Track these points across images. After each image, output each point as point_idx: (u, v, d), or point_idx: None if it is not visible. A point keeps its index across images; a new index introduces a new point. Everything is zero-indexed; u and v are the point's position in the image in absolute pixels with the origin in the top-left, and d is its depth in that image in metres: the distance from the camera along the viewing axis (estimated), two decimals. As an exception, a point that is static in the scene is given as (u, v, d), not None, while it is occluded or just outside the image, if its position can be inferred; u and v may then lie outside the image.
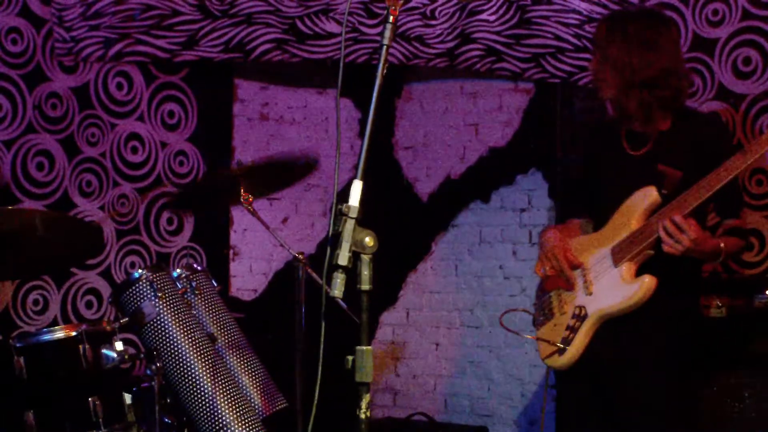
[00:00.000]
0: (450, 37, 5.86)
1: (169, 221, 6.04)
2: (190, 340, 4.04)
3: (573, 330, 3.92)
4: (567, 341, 3.93)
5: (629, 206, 3.88)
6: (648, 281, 3.76)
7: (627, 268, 3.83)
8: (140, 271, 4.09)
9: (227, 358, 4.30)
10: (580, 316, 3.92)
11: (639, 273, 3.81)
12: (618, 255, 3.86)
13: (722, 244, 3.75)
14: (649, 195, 3.83)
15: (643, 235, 3.78)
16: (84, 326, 3.89)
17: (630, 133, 3.98)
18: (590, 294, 3.92)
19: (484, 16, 5.75)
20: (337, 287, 2.53)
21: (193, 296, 4.32)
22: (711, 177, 3.64)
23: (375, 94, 2.68)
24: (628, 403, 3.87)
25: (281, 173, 4.66)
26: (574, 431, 4.22)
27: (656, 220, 3.73)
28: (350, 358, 2.57)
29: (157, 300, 4.03)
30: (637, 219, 3.84)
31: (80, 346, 3.83)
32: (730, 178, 3.64)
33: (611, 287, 3.86)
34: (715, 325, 4.47)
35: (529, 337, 4.22)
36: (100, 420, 3.80)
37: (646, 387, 3.84)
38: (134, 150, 5.92)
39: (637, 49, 3.85)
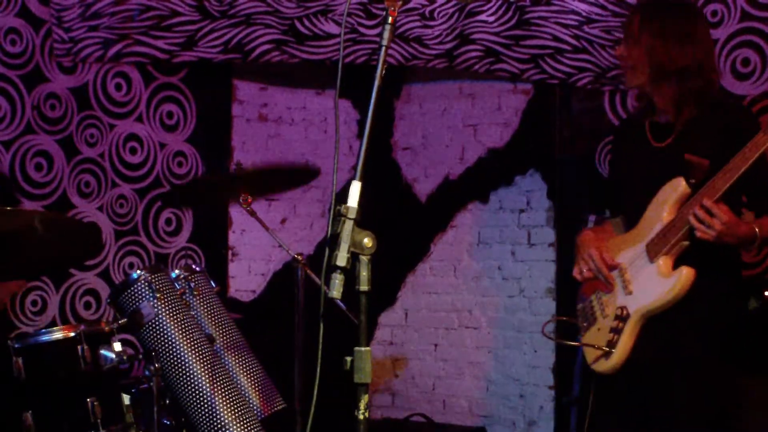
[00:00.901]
0: (449, 38, 5.86)
1: (168, 222, 6.04)
2: (188, 340, 4.04)
3: (617, 331, 3.85)
4: (612, 344, 3.86)
5: (659, 200, 3.83)
6: (686, 273, 3.69)
7: (663, 262, 3.76)
8: (139, 271, 4.08)
9: (226, 358, 4.30)
10: (623, 317, 3.85)
11: (676, 266, 3.75)
12: (653, 250, 3.80)
13: (757, 228, 3.69)
14: (677, 186, 3.77)
15: (676, 226, 3.73)
16: (82, 327, 3.90)
17: (654, 125, 3.95)
18: (630, 293, 3.86)
19: (483, 17, 5.75)
20: (336, 288, 2.53)
21: (191, 297, 4.32)
22: (737, 158, 3.57)
23: (374, 95, 2.67)
24: (667, 403, 3.80)
25: (281, 178, 4.67)
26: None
27: (687, 210, 3.68)
28: (349, 358, 2.57)
29: (155, 301, 4.02)
30: (669, 211, 3.78)
31: (79, 347, 3.83)
32: (756, 157, 3.56)
33: (650, 283, 3.79)
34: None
35: (575, 344, 4.12)
36: (99, 421, 3.80)
37: (686, 385, 3.78)
38: (133, 151, 5.92)
39: (674, 39, 3.82)
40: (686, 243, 3.74)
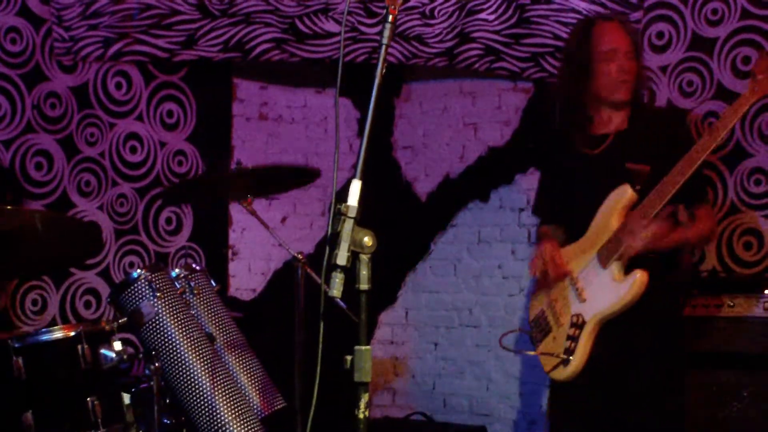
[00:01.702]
0: (449, 37, 5.86)
1: (168, 221, 6.04)
2: (188, 339, 4.03)
3: (574, 339, 3.93)
4: (570, 351, 3.93)
5: (607, 208, 3.93)
6: (639, 276, 3.79)
7: (616, 267, 3.86)
8: (139, 270, 4.08)
9: (226, 357, 4.30)
10: (578, 324, 3.93)
11: (627, 270, 3.85)
12: (604, 256, 3.89)
13: (689, 235, 3.90)
14: (624, 193, 3.88)
15: (626, 232, 3.83)
16: (82, 326, 3.89)
17: (585, 137, 4.03)
18: (584, 301, 3.95)
19: (483, 15, 5.75)
20: (336, 287, 2.53)
21: (191, 296, 4.32)
22: (684, 161, 3.70)
23: (374, 94, 2.68)
24: (626, 402, 3.87)
25: (281, 179, 4.67)
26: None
27: (636, 214, 3.80)
28: (349, 357, 2.57)
29: (155, 300, 4.02)
30: (617, 218, 3.89)
31: (79, 346, 3.83)
32: (704, 158, 3.70)
33: (604, 289, 3.88)
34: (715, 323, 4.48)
35: (532, 353, 4.20)
36: (99, 420, 3.79)
37: (644, 383, 3.88)
38: (133, 150, 5.92)
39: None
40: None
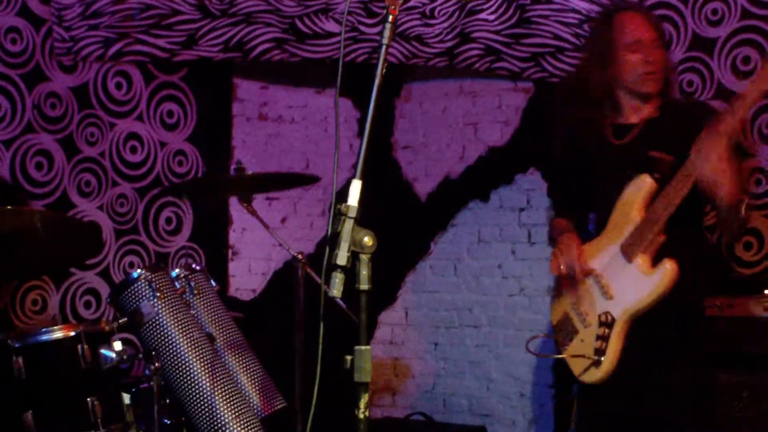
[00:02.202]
0: (449, 37, 5.86)
1: (168, 221, 6.04)
2: (188, 340, 4.03)
3: (604, 338, 3.81)
4: (600, 351, 3.82)
5: (626, 200, 3.83)
6: (670, 266, 3.69)
7: (642, 260, 3.75)
8: (139, 270, 4.08)
9: (226, 358, 4.30)
10: (608, 323, 3.81)
11: (654, 262, 3.74)
12: (629, 250, 3.79)
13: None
14: (643, 183, 3.78)
15: (650, 221, 3.72)
16: (82, 326, 3.89)
17: (615, 125, 3.97)
18: (611, 298, 3.83)
19: (483, 15, 5.75)
20: (336, 287, 2.53)
21: (191, 296, 4.31)
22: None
23: (374, 94, 2.68)
24: (656, 400, 3.79)
25: (280, 184, 4.67)
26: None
27: (659, 203, 3.69)
28: (349, 357, 2.57)
29: (155, 300, 4.02)
30: (638, 209, 3.78)
31: (79, 346, 3.83)
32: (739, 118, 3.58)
33: (633, 283, 3.77)
34: (715, 323, 4.46)
35: (561, 356, 4.03)
36: (99, 420, 3.79)
37: (675, 380, 3.78)
38: (133, 150, 5.92)
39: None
40: (663, 238, 3.74)
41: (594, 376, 3.86)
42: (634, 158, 3.83)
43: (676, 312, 3.79)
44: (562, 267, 3.93)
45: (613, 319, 3.82)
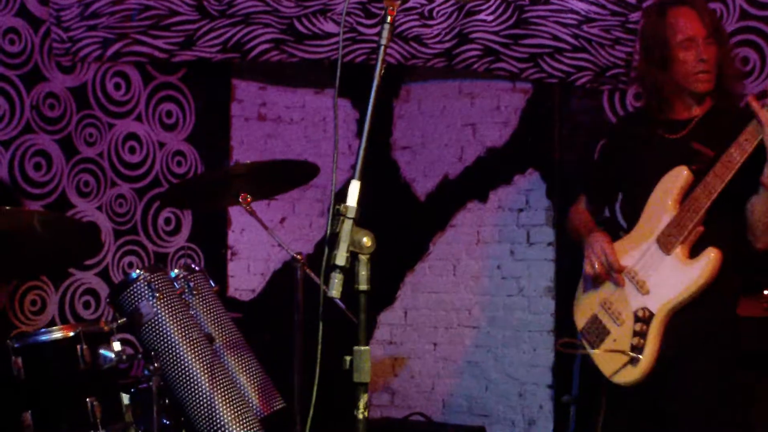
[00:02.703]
0: (448, 38, 5.86)
1: (167, 221, 6.04)
2: (187, 340, 4.04)
3: (641, 335, 3.70)
4: (638, 348, 3.70)
5: (661, 191, 3.77)
6: (714, 255, 3.60)
7: (682, 251, 3.67)
8: (138, 271, 4.09)
9: (225, 358, 4.30)
10: (645, 319, 3.71)
11: (692, 254, 3.66)
12: (667, 242, 3.70)
13: None
14: (680, 174, 3.72)
15: (691, 212, 3.65)
16: (82, 326, 3.89)
17: (667, 121, 3.90)
18: (647, 293, 3.73)
19: (481, 16, 5.75)
20: (335, 287, 2.53)
21: (190, 296, 4.32)
22: (750, 127, 3.55)
23: (373, 94, 2.68)
24: (688, 399, 3.70)
25: (280, 176, 4.66)
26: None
27: (700, 192, 3.62)
28: (348, 358, 2.57)
29: (154, 300, 4.03)
30: (674, 201, 3.72)
31: (78, 347, 3.83)
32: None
33: (672, 275, 3.68)
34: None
35: (598, 351, 3.85)
36: (98, 420, 3.80)
37: (707, 380, 3.70)
38: (132, 150, 5.92)
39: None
40: (702, 228, 3.66)
41: (630, 375, 3.74)
42: (681, 152, 3.75)
43: (714, 306, 3.70)
44: (597, 266, 3.85)
45: (651, 314, 3.71)
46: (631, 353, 3.71)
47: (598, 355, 3.86)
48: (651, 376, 3.72)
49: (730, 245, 3.72)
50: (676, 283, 3.68)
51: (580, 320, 4.00)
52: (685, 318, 3.70)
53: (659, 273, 3.74)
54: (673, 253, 3.70)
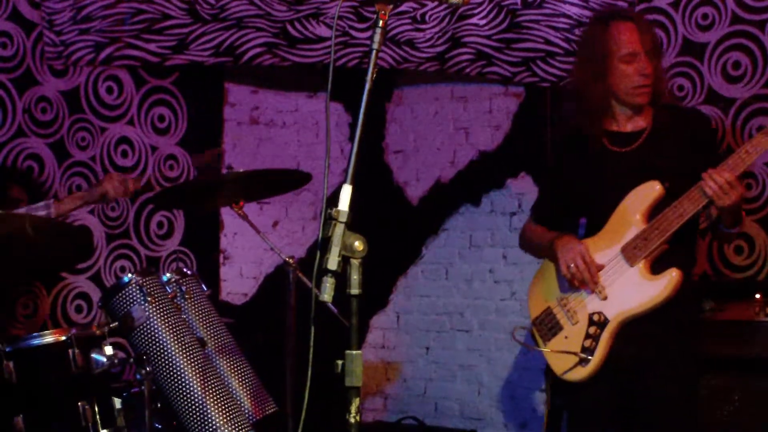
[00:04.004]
0: (440, 41, 5.86)
1: (159, 225, 6.04)
2: (179, 344, 4.03)
3: (594, 338, 3.82)
4: (590, 350, 3.83)
5: (631, 203, 3.82)
6: (676, 275, 3.71)
7: (644, 265, 3.77)
8: (130, 275, 4.08)
9: (217, 362, 4.29)
10: (600, 323, 3.82)
11: (654, 270, 3.76)
12: (632, 254, 3.78)
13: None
14: (653, 189, 3.78)
15: (660, 230, 3.73)
16: (73, 330, 3.89)
17: (611, 134, 3.96)
18: (605, 298, 3.83)
19: (474, 20, 5.75)
20: (327, 291, 2.53)
21: (182, 300, 4.31)
22: (734, 157, 3.63)
23: (365, 98, 2.68)
24: (653, 400, 3.79)
25: (272, 182, 4.67)
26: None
27: (672, 213, 3.71)
28: (340, 362, 2.57)
29: (146, 304, 4.02)
30: (643, 215, 3.78)
31: (70, 351, 3.83)
32: (755, 159, 3.64)
33: (632, 288, 3.78)
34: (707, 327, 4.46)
35: (548, 350, 3.98)
36: (90, 425, 3.79)
37: (671, 382, 3.79)
38: (124, 154, 5.91)
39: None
40: (666, 246, 3.77)
41: (579, 374, 3.86)
42: (640, 166, 3.83)
43: (671, 317, 3.79)
44: (571, 266, 3.88)
45: (606, 320, 3.82)
46: (581, 354, 3.84)
47: (548, 353, 3.98)
48: (609, 377, 3.83)
49: (690, 259, 3.90)
50: (635, 296, 3.79)
51: (534, 310, 4.10)
52: (644, 325, 3.79)
53: (620, 282, 3.83)
54: (636, 266, 3.79)
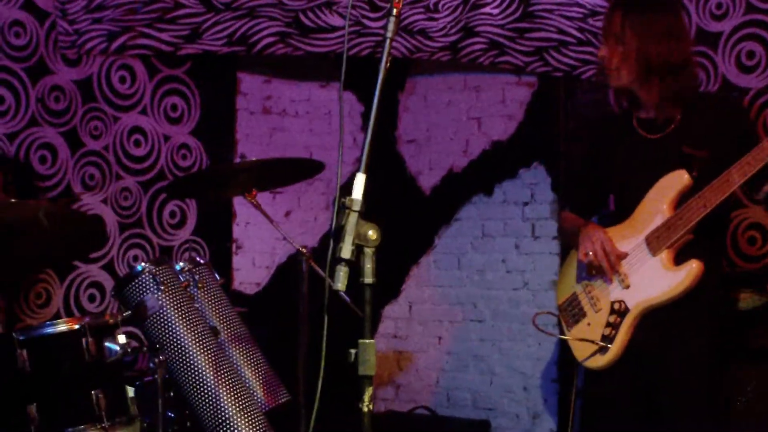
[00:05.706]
0: (453, 31, 5.85)
1: (172, 214, 6.04)
2: (192, 333, 4.03)
3: (614, 326, 3.81)
4: (609, 339, 3.82)
5: (658, 192, 3.79)
6: (696, 266, 3.68)
7: (666, 255, 3.73)
8: (143, 264, 4.08)
9: (230, 351, 4.30)
10: (621, 311, 3.81)
11: (677, 260, 3.73)
12: (655, 243, 3.76)
13: None
14: (680, 178, 3.74)
15: (683, 219, 3.69)
16: (87, 319, 3.89)
17: (642, 120, 3.93)
18: (627, 287, 3.81)
19: (487, 9, 5.74)
20: (340, 280, 2.53)
21: (195, 289, 4.31)
22: (755, 152, 3.57)
23: (378, 88, 2.67)
24: (674, 390, 3.77)
25: (285, 171, 4.66)
26: (604, 423, 4.04)
27: (695, 203, 3.67)
28: (353, 351, 2.57)
29: (159, 293, 4.02)
30: (669, 204, 3.75)
31: (83, 340, 3.83)
32: None
33: (654, 277, 3.75)
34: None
35: (568, 338, 4.00)
36: (103, 413, 3.79)
37: (693, 372, 3.76)
38: (137, 143, 5.92)
39: (660, 36, 3.78)
40: (691, 236, 3.72)
41: (598, 362, 3.86)
42: (669, 153, 3.80)
43: (693, 308, 3.76)
44: (590, 253, 3.87)
45: (627, 309, 3.80)
46: (600, 343, 3.84)
47: (570, 339, 3.99)
48: (629, 367, 3.83)
49: (715, 252, 3.85)
50: (656, 286, 3.76)
51: (561, 296, 4.12)
52: (665, 315, 3.77)
53: (642, 271, 3.81)
54: (659, 255, 3.76)
